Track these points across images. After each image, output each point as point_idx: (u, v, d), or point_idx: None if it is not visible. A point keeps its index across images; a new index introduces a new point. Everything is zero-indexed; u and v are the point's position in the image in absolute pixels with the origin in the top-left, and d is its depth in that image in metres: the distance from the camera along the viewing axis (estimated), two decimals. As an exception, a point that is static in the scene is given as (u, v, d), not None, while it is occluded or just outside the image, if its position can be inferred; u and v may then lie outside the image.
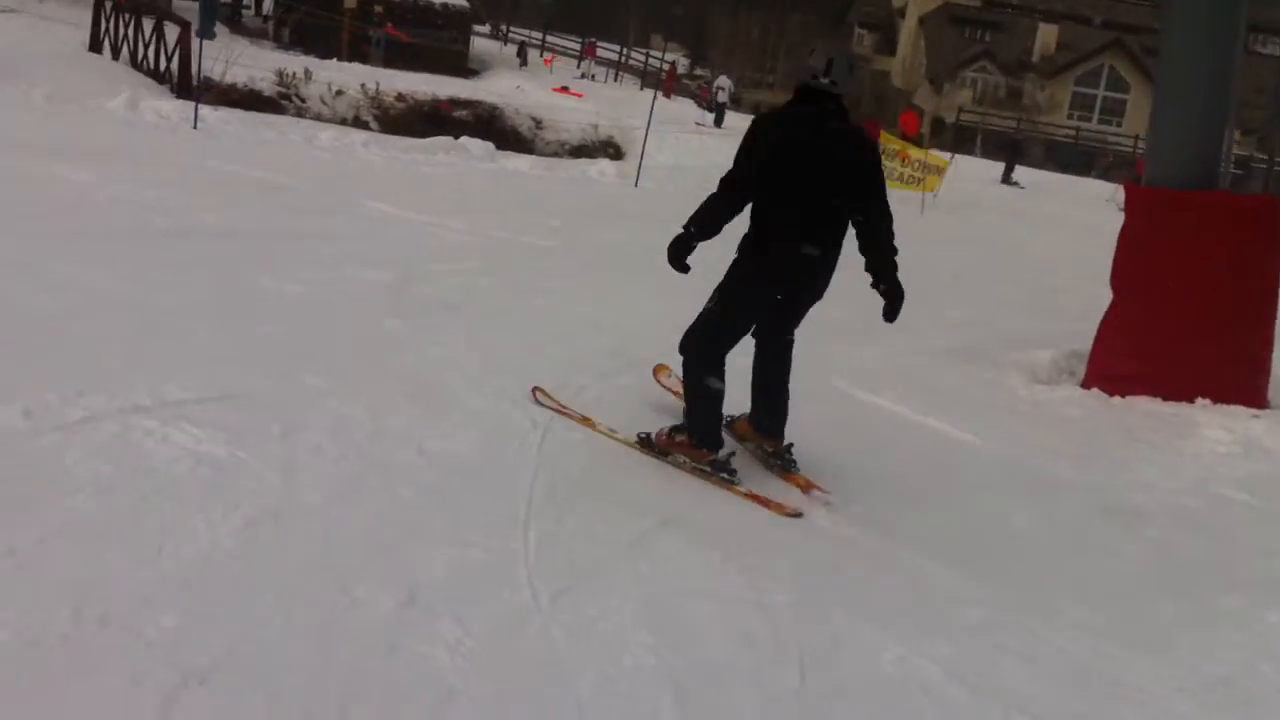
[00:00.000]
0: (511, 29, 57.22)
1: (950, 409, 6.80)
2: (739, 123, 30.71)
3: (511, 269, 8.33)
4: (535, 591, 3.70)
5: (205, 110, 13.87)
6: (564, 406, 5.61)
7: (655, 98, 21.66)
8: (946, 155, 21.14)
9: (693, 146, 25.06)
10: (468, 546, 3.94)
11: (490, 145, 16.36)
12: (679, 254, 4.99)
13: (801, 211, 4.84)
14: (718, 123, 32.25)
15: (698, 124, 30.68)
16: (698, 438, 5.11)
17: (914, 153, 21.40)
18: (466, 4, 43.47)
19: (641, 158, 17.08)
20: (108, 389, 4.55)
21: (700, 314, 5.16)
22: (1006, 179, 29.80)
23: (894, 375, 7.83)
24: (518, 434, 5.18)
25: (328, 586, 3.46)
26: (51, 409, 4.26)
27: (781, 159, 4.76)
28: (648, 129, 17.64)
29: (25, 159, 9.01)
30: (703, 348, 5.13)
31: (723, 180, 4.93)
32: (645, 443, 5.29)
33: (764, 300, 5.12)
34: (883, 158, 21.66)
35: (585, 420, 5.49)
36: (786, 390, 5.38)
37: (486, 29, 49.38)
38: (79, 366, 4.79)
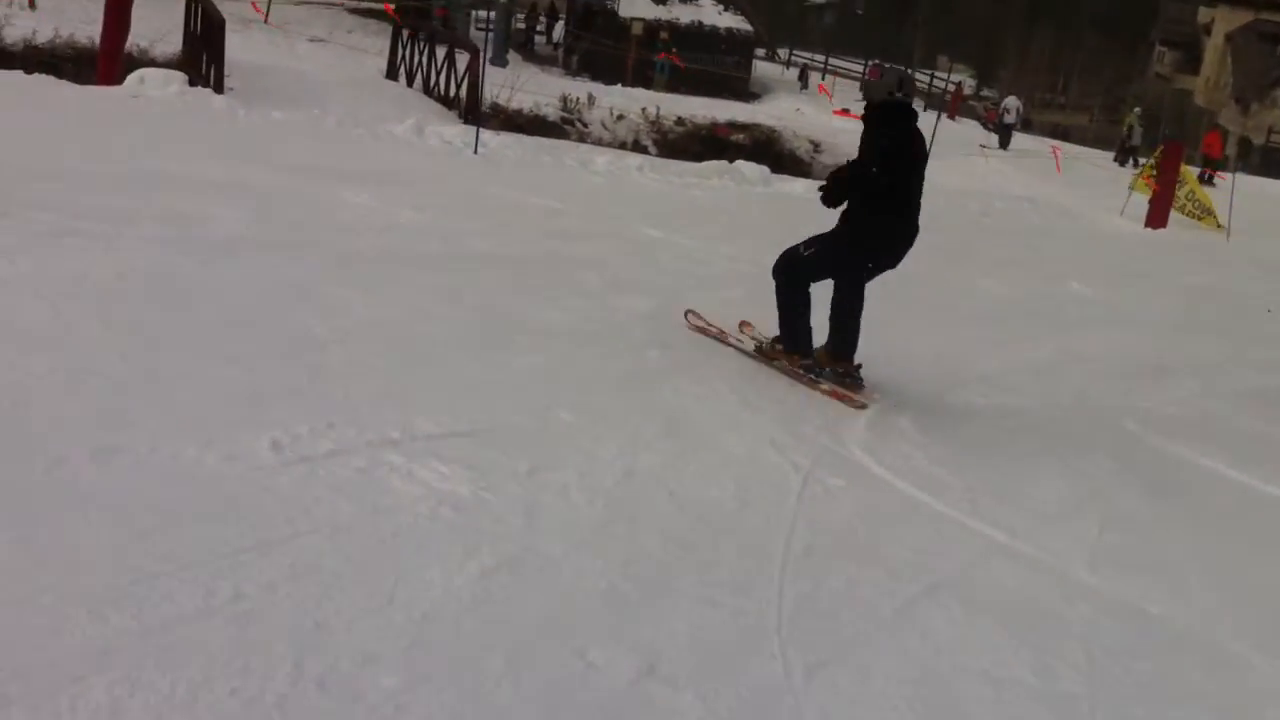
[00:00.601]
0: (794, 52, 56.97)
1: (1267, 461, 6.11)
2: (1027, 144, 29.50)
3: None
4: (788, 665, 3.38)
5: (487, 135, 14.15)
6: (709, 325, 6.82)
7: (939, 119, 20.93)
8: (1222, 214, 19.80)
9: (978, 170, 24.14)
10: (715, 607, 3.65)
11: (765, 169, 16.08)
12: (830, 200, 6.40)
13: (903, 189, 6.34)
14: (1003, 145, 31.06)
15: (982, 146, 29.60)
16: (792, 344, 6.45)
17: (1199, 194, 20.40)
18: (750, 29, 43.54)
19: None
20: (359, 421, 4.49)
21: (794, 250, 6.50)
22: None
23: (1194, 420, 7.13)
24: (776, 480, 4.86)
25: (563, 648, 3.23)
26: (301, 441, 4.22)
27: (897, 151, 6.23)
28: (929, 151, 16.98)
29: (312, 182, 9.30)
30: (791, 277, 6.43)
31: (858, 163, 6.37)
32: (760, 350, 6.63)
33: (851, 264, 6.45)
34: (1178, 189, 20.66)
35: (723, 333, 6.80)
36: (858, 321, 6.55)
37: (767, 53, 49.23)
38: (335, 395, 4.76)
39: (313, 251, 7.08)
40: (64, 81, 13.42)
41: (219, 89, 15.73)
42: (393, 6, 21.03)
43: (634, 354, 6.29)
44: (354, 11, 43.04)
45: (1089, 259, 13.71)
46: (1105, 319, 10.05)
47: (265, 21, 25.55)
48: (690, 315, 6.97)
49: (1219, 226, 20.23)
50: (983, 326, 8.96)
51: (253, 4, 17.22)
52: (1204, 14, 72.76)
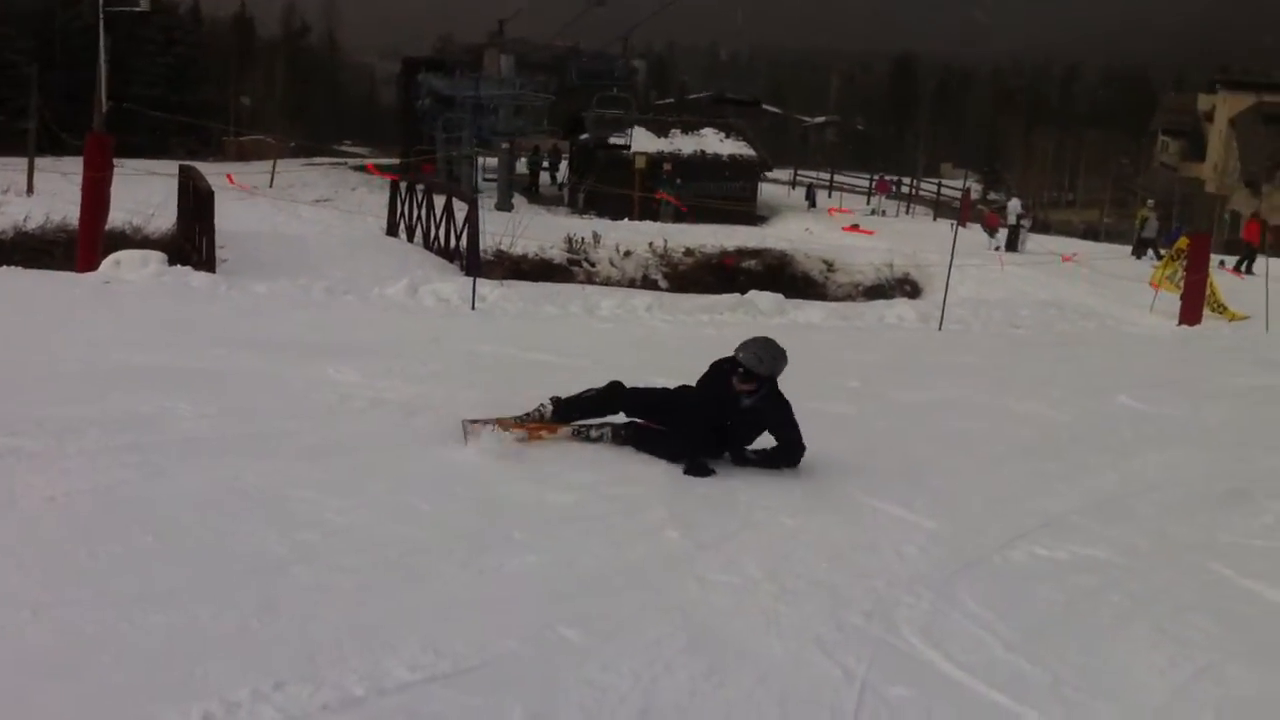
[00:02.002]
0: (799, 172, 57.07)
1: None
2: (1043, 245, 28.86)
3: (811, 444, 7.21)
4: None
5: (486, 289, 13.58)
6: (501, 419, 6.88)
7: (956, 229, 20.37)
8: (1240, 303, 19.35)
9: (993, 276, 23.49)
10: None
11: (779, 297, 15.48)
12: None
13: None
14: (1010, 247, 30.56)
15: (995, 249, 29.02)
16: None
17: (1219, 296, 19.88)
18: (753, 153, 43.51)
19: (945, 297, 15.76)
20: (315, 674, 3.69)
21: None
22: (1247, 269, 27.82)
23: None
24: (827, 696, 4.02)
25: None
26: (239, 712, 3.41)
27: None
28: (950, 265, 16.36)
29: (293, 361, 8.62)
30: None
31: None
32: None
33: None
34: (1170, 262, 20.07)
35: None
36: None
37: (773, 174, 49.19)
38: (289, 638, 3.96)
39: (283, 446, 6.34)
40: (33, 271, 12.88)
41: (210, 264, 15.25)
42: (374, 164, 20.74)
43: (649, 537, 5.50)
44: (358, 169, 43.32)
45: (1131, 366, 12.93)
46: (1163, 436, 9.22)
47: (231, 182, 25.29)
48: (468, 424, 6.80)
49: (1243, 316, 19.54)
50: (1034, 458, 8.15)
51: (228, 177, 16.68)
52: (1204, 101, 72.96)
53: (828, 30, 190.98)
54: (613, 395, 7.22)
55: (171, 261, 14.55)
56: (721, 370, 7.09)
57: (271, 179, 35.24)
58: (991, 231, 32.86)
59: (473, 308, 12.56)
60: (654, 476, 6.54)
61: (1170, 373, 12.66)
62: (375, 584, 4.50)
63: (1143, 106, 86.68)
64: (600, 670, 4.00)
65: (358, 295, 12.54)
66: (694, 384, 7.35)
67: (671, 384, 7.50)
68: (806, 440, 7.09)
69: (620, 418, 7.23)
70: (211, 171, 26.96)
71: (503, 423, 6.97)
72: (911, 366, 11.64)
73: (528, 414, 7.13)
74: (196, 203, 16.21)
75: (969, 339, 14.54)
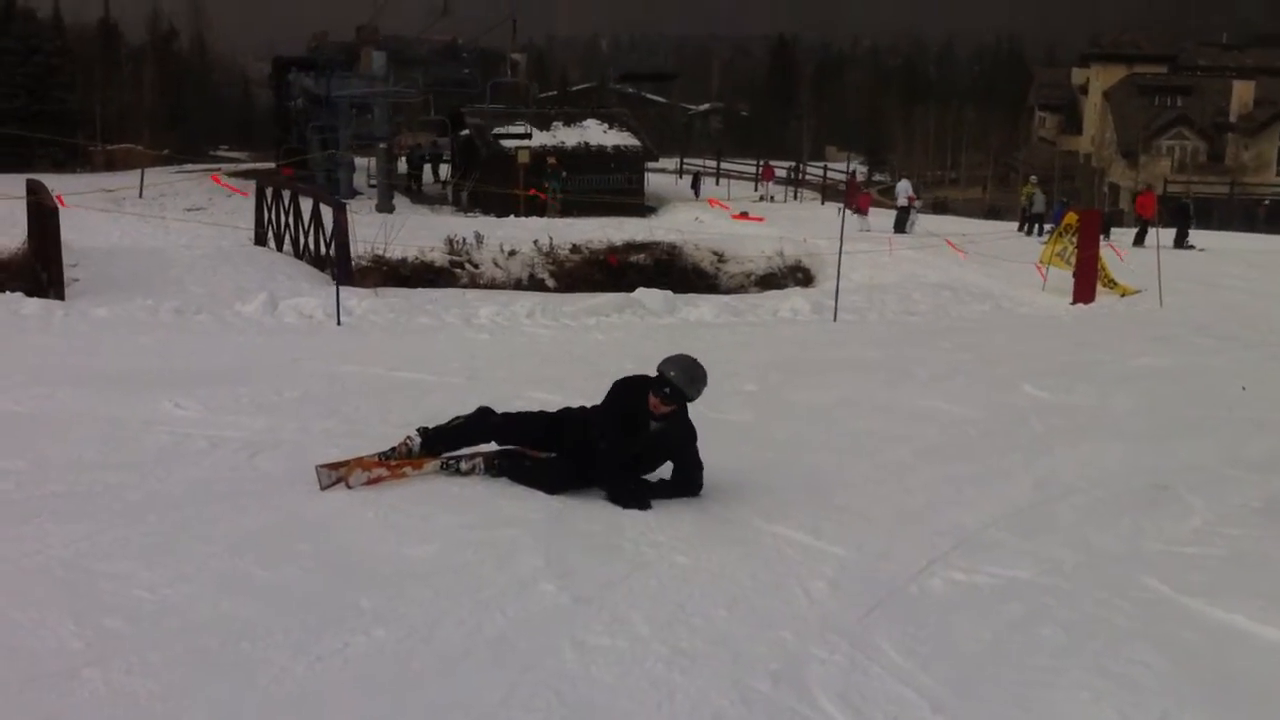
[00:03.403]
0: (685, 160, 56.65)
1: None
2: (940, 226, 28.60)
3: (706, 460, 6.57)
4: None
5: (354, 300, 12.70)
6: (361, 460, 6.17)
7: (843, 214, 19.96)
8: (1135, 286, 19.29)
9: (884, 260, 23.15)
10: None
11: (668, 294, 14.82)
12: None
13: None
14: (898, 228, 30.33)
15: (860, 231, 28.66)
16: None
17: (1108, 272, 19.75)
18: (638, 143, 42.91)
19: (838, 288, 15.26)
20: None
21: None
22: (1180, 243, 28.39)
23: (1223, 562, 5.77)
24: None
25: None
26: None
27: None
28: (840, 251, 15.87)
29: (125, 397, 7.72)
30: None
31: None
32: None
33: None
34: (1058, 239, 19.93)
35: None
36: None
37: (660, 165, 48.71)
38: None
39: (100, 505, 5.51)
40: None
41: (57, 286, 14.14)
42: (219, 176, 19.71)
43: (520, 593, 4.78)
44: (235, 175, 41.76)
45: (1031, 351, 12.52)
46: (1074, 429, 8.74)
47: (62, 204, 24.05)
48: (322, 470, 6.02)
49: (1134, 291, 19.41)
50: (942, 461, 7.60)
51: (58, 197, 15.38)
52: (1078, 75, 74.18)
53: (706, 15, 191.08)
54: (482, 423, 6.51)
55: (16, 286, 13.46)
56: (632, 388, 6.42)
57: (140, 189, 33.69)
58: (855, 210, 32.38)
59: (338, 323, 11.67)
60: (529, 515, 5.82)
61: (1072, 356, 12.27)
62: (182, 688, 3.72)
63: (1018, 81, 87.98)
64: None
65: (212, 315, 11.56)
66: (574, 405, 6.69)
67: (552, 404, 6.80)
68: (706, 456, 6.49)
69: (493, 446, 6.52)
70: (77, 187, 25.79)
71: (364, 463, 6.20)
72: (809, 364, 11.07)
73: (393, 449, 6.38)
74: (38, 221, 15.05)
75: (865, 329, 14.04)
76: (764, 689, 4.04)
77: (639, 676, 4.07)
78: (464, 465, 6.35)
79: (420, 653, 4.14)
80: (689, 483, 6.38)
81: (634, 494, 6.20)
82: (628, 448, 6.35)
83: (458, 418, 6.53)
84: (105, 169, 47.59)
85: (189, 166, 48.39)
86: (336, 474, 6.07)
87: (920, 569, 5.48)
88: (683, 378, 6.30)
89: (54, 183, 20.72)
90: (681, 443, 6.40)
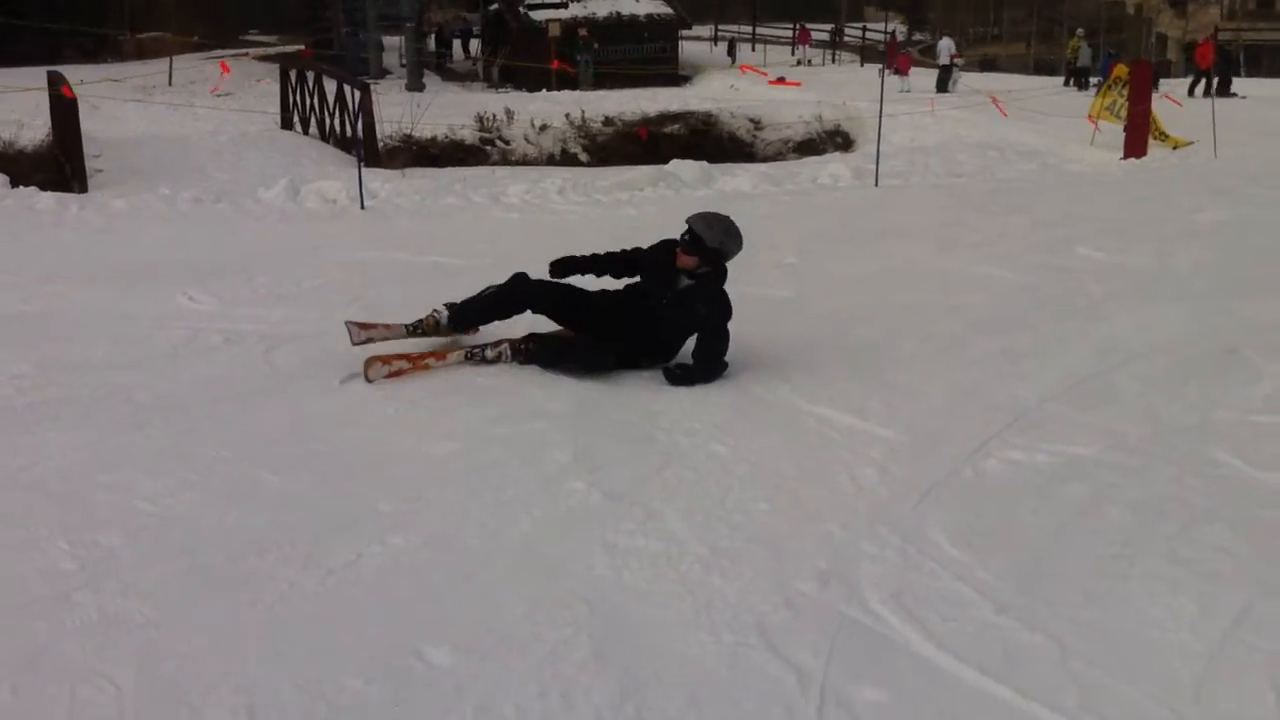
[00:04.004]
0: (719, 27, 55.26)
1: None
2: (984, 84, 27.64)
3: (742, 345, 6.23)
4: None
5: (378, 183, 12.28)
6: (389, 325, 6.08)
7: (884, 75, 19.25)
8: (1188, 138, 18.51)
9: (927, 121, 22.41)
10: None
11: (703, 165, 14.29)
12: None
13: None
14: (940, 88, 29.34)
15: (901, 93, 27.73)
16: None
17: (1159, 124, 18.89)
18: (671, 10, 41.74)
19: (879, 152, 14.68)
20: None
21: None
22: (1224, 91, 27.01)
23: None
24: (776, 712, 3.07)
25: None
26: None
27: None
28: (880, 113, 15.25)
29: (139, 292, 7.42)
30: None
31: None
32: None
33: None
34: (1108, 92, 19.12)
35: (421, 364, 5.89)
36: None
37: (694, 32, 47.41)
38: (51, 712, 2.94)
39: (105, 410, 5.23)
40: None
41: (80, 178, 13.85)
42: (226, 62, 19.16)
43: (548, 492, 4.48)
44: (264, 59, 40.99)
45: (1084, 211, 11.96)
46: (1132, 292, 8.28)
47: (68, 94, 23.61)
48: (371, 366, 5.73)
49: (1187, 142, 18.69)
50: (995, 331, 7.19)
51: (64, 89, 14.84)
52: (1127, -79, 71.38)
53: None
54: (515, 291, 6.18)
55: (41, 179, 13.16)
56: (666, 245, 6.25)
57: (170, 77, 33.13)
58: (896, 70, 31.31)
59: (362, 207, 11.27)
60: (556, 406, 5.50)
61: (1127, 214, 11.72)
62: (180, 610, 3.44)
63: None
64: (475, 713, 3.01)
65: (231, 203, 11.18)
66: (612, 290, 6.39)
67: (584, 287, 6.45)
68: (744, 334, 6.18)
69: (518, 331, 6.18)
70: (106, 75, 25.30)
71: (391, 329, 6.07)
72: (851, 233, 10.60)
73: (419, 321, 6.14)
74: (59, 113, 14.68)
75: (908, 194, 13.50)
76: (810, 591, 3.73)
77: (675, 581, 3.77)
78: (489, 353, 6.03)
79: (440, 562, 3.85)
80: (707, 365, 6.03)
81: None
82: (653, 292, 6.17)
83: (490, 287, 6.21)
84: (135, 58, 46.89)
85: (218, 52, 47.60)
86: (365, 333, 5.92)
87: (975, 449, 5.13)
88: (699, 223, 6.07)
89: (81, 73, 20.32)
90: (708, 314, 6.04)
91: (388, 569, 3.77)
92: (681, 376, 5.95)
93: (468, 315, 6.19)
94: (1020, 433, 5.37)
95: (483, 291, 6.25)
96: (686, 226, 6.12)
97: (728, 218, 6.21)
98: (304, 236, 9.75)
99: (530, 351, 6.04)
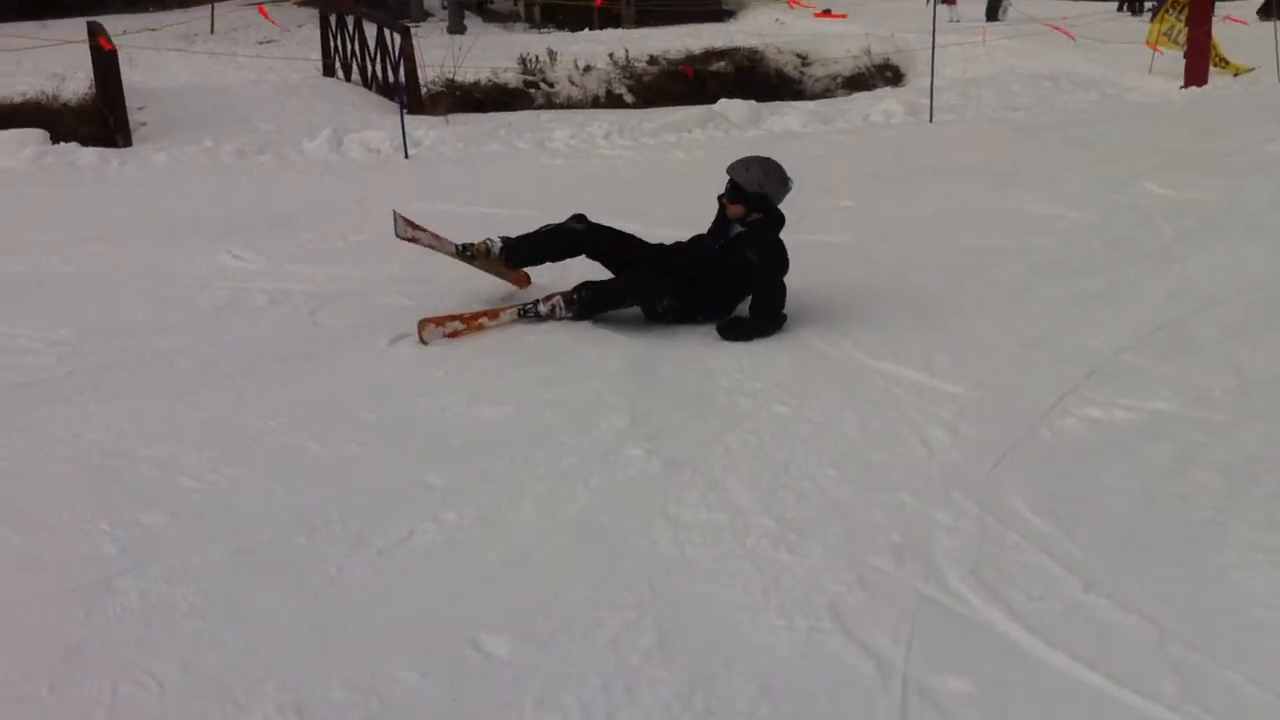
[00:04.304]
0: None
1: None
2: (1032, 8, 26.90)
3: (800, 295, 6.02)
4: None
5: (421, 130, 12.03)
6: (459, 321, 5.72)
7: (933, 5, 18.71)
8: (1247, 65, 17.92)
9: (979, 52, 21.81)
10: None
11: (751, 104, 13.93)
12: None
13: None
14: (990, 16, 28.48)
15: (950, 22, 26.91)
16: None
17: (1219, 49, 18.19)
18: (712, -57, 40.94)
19: (932, 86, 14.26)
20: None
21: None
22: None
23: None
24: (854, 706, 2.88)
25: None
26: None
27: None
28: (933, 45, 14.81)
29: (182, 250, 7.27)
30: None
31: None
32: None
33: None
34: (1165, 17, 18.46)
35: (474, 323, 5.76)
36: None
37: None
38: (92, 712, 2.80)
39: (147, 377, 5.08)
40: None
41: (123, 131, 13.69)
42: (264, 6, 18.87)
43: (605, 461, 4.29)
44: (304, 3, 40.61)
45: (1148, 144, 11.53)
46: (1205, 231, 7.95)
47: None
48: (425, 329, 5.57)
49: (1248, 69, 18.06)
50: (1064, 275, 6.91)
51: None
52: None
53: None
54: (571, 232, 6.05)
55: (85, 133, 13.01)
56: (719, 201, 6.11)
57: (211, 24, 32.91)
58: (951, 3, 30.42)
59: (406, 156, 11.04)
60: (611, 365, 5.31)
61: (1193, 146, 11.29)
62: (225, 596, 3.29)
63: None
64: (535, 709, 2.84)
65: (275, 154, 10.96)
66: (669, 243, 6.23)
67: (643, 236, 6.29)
68: (802, 284, 6.00)
69: (570, 283, 5.98)
70: (145, 25, 25.12)
71: (440, 242, 6.20)
72: (907, 172, 10.25)
73: (469, 244, 6.09)
74: (100, 65, 14.51)
75: (965, 130, 13.09)
76: (885, 567, 3.53)
77: (741, 557, 3.58)
78: (542, 308, 5.84)
79: (496, 540, 3.68)
80: (764, 319, 5.82)
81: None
82: (710, 240, 6.07)
83: (547, 225, 6.07)
84: (176, 5, 46.70)
85: (259, -2, 47.26)
86: (412, 231, 6.03)
87: (1050, 406, 4.90)
88: (737, 169, 5.89)
89: (123, 23, 20.17)
90: (761, 264, 5.84)
91: (440, 549, 3.61)
92: (736, 331, 5.74)
93: (521, 250, 6.05)
94: (1097, 387, 5.12)
95: (540, 229, 6.07)
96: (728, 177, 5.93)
97: (767, 158, 5.99)
98: (349, 188, 9.55)
99: (583, 300, 5.83)
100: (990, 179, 9.80)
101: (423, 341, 5.48)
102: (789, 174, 5.95)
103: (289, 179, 10.02)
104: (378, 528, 3.70)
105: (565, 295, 5.87)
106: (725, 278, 5.93)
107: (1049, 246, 7.61)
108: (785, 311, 5.86)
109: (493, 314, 5.83)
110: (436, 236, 6.05)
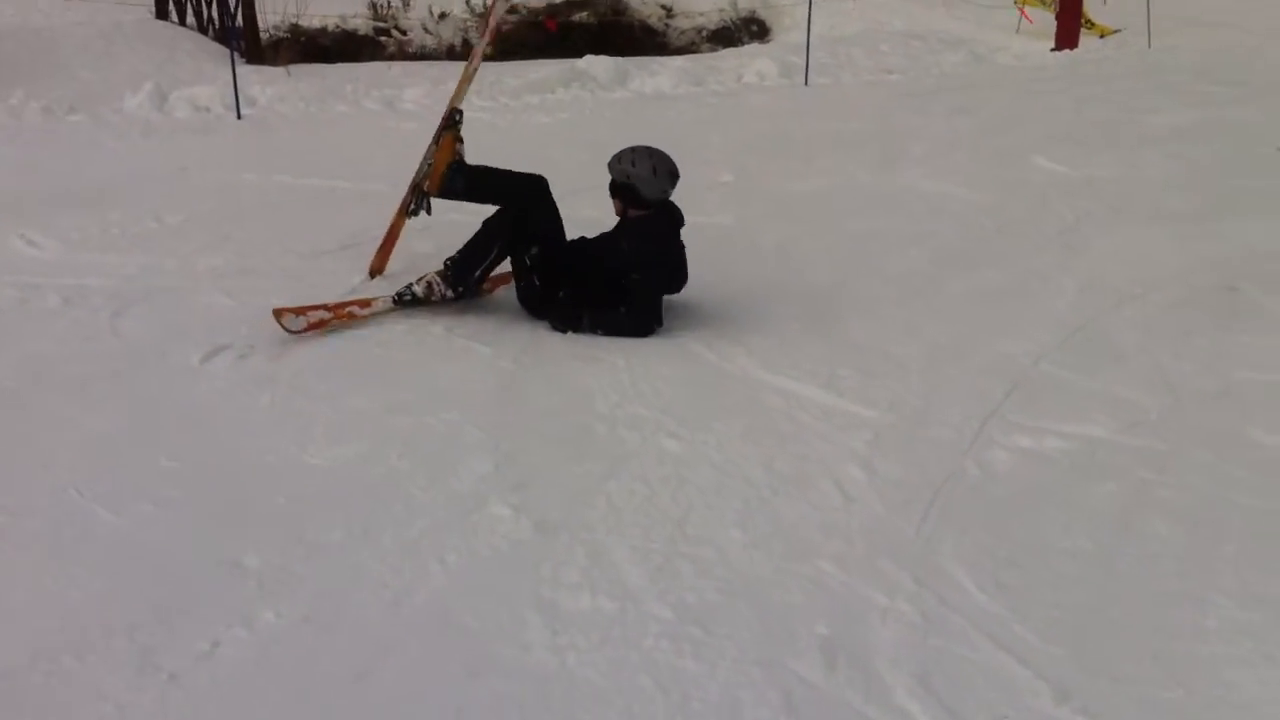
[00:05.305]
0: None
1: None
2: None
3: (686, 290, 5.35)
4: None
5: (257, 89, 10.93)
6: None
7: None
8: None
9: (845, 6, 21.33)
10: None
11: (618, 62, 13.11)
12: None
13: None
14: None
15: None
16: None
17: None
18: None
19: (808, 46, 13.63)
20: None
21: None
22: None
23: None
24: None
25: None
26: None
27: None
28: (810, 7, 14.20)
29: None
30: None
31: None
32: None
33: None
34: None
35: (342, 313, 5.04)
36: None
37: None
38: None
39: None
40: None
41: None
42: None
43: (464, 523, 3.52)
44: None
45: (1031, 113, 11.10)
46: (1106, 212, 7.49)
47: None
48: (284, 315, 4.86)
49: (1113, 30, 17.94)
50: (965, 269, 6.36)
51: None
52: None
53: None
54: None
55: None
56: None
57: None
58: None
59: (238, 116, 9.97)
60: (471, 385, 4.55)
61: (1078, 115, 10.87)
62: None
63: None
64: None
65: (88, 113, 9.73)
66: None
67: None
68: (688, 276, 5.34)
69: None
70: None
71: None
72: (787, 142, 9.60)
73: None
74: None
75: (842, 94, 12.49)
76: (814, 678, 2.85)
77: (636, 667, 2.87)
78: (417, 288, 5.22)
79: (324, 650, 2.90)
80: (631, 313, 5.18)
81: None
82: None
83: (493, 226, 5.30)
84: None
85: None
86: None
87: (974, 434, 4.30)
88: (613, 156, 5.29)
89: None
90: (629, 244, 5.25)
91: (253, 667, 2.81)
92: (603, 323, 5.06)
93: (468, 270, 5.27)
94: (1021, 407, 4.55)
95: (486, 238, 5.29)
96: None
97: (647, 148, 5.32)
98: (170, 155, 8.48)
99: (455, 263, 5.23)
100: (873, 151, 9.21)
101: (286, 330, 4.66)
102: (671, 167, 5.23)
103: (102, 143, 8.88)
104: (172, 638, 2.89)
105: (441, 275, 5.18)
106: (605, 275, 5.22)
107: (943, 231, 7.05)
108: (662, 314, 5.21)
109: (363, 303, 5.09)
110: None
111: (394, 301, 5.18)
